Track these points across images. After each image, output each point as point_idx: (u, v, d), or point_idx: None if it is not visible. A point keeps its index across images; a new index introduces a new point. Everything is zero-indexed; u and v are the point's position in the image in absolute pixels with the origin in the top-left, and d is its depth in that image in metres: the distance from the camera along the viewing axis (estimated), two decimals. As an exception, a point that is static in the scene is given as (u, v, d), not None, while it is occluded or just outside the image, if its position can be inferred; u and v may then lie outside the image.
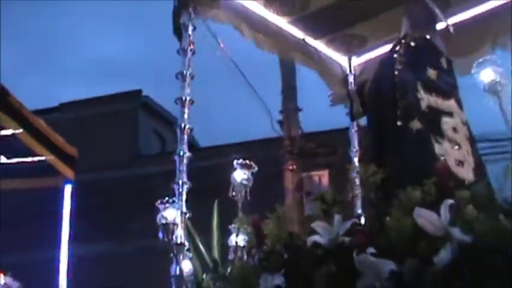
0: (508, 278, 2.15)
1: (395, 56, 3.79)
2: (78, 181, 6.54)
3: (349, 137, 5.03)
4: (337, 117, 4.69)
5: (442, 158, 3.32)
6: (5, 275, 5.67)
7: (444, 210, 2.32)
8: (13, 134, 6.04)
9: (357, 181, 4.44)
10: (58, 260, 5.55)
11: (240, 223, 3.45)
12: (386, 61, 3.91)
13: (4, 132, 6.09)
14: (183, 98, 3.85)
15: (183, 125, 3.79)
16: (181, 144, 3.72)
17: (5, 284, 5.58)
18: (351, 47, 5.20)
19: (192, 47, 3.96)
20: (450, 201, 2.35)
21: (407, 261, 2.34)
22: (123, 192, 14.03)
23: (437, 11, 3.90)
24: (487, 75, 2.86)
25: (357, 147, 4.96)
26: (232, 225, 3.55)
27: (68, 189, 6.45)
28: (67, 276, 5.39)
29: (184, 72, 3.91)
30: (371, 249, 2.41)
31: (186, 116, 3.82)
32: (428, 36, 3.87)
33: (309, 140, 8.11)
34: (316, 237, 2.68)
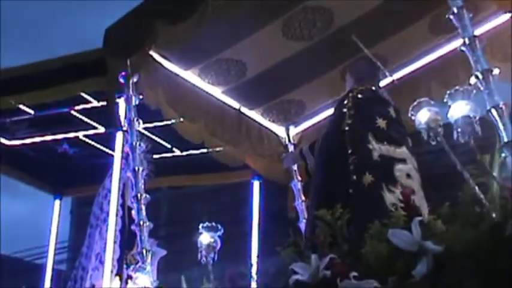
0: (482, 277, 2.35)
1: (344, 110, 3.83)
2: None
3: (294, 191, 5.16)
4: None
5: (394, 207, 3.33)
6: None
7: (414, 226, 2.51)
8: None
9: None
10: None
11: None
12: (335, 118, 3.97)
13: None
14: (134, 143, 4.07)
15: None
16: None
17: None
18: (288, 115, 5.30)
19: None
20: (418, 218, 2.56)
21: (389, 280, 2.51)
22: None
23: (379, 64, 4.10)
24: (423, 115, 2.94)
25: (303, 198, 5.09)
26: None
27: (256, 185, 5.97)
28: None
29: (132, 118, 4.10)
30: (353, 273, 2.58)
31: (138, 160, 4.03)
32: (374, 88, 4.02)
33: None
34: (296, 277, 2.82)
